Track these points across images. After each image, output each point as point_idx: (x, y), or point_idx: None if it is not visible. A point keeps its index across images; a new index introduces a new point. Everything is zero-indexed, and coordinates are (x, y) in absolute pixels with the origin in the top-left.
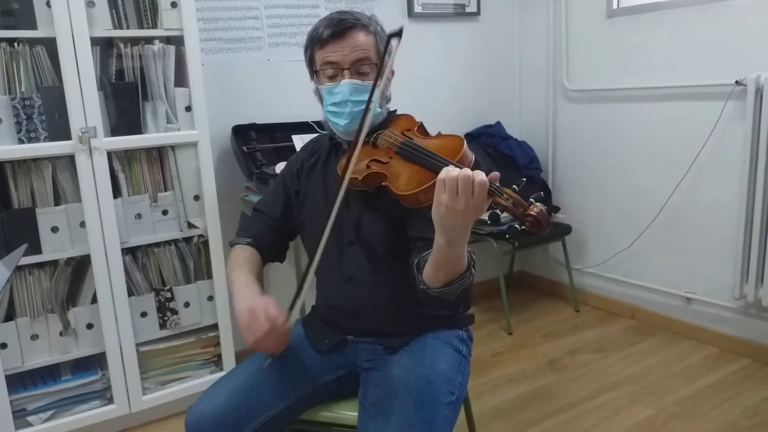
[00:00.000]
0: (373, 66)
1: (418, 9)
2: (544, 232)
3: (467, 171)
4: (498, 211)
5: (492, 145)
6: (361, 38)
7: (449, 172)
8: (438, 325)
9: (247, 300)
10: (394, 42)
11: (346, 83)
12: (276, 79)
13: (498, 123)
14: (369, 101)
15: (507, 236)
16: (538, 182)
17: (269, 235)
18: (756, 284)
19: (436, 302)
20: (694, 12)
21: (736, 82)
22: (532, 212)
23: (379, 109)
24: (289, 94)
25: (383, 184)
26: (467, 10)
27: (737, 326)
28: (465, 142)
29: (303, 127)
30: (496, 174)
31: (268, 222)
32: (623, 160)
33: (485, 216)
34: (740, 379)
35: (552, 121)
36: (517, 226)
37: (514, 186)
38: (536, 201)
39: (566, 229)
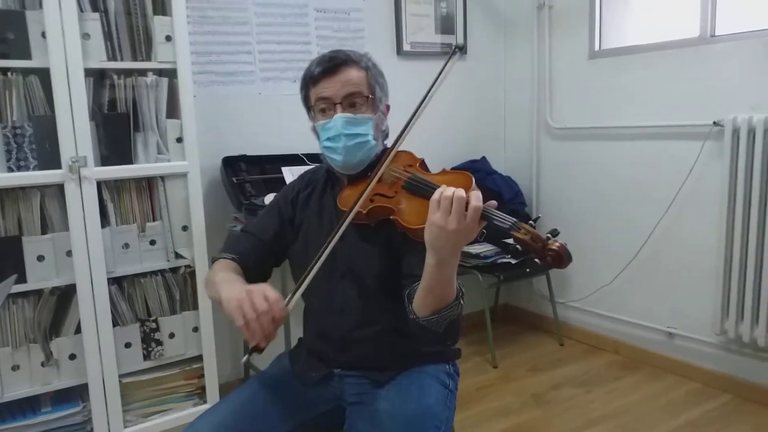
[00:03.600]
0: (365, 99)
1: (406, 47)
2: (564, 266)
3: (461, 191)
4: (518, 246)
5: (478, 179)
6: (353, 73)
7: (444, 191)
8: (426, 360)
9: (242, 286)
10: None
11: (339, 117)
12: (267, 112)
13: (483, 158)
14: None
15: (528, 270)
16: (522, 216)
17: (255, 256)
18: (736, 320)
19: (424, 333)
20: (673, 55)
21: (714, 122)
22: (553, 247)
23: (374, 142)
24: (280, 127)
25: (391, 218)
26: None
27: (719, 362)
28: (474, 179)
29: (293, 159)
30: (493, 202)
31: (256, 244)
32: (606, 196)
33: (506, 256)
34: (722, 414)
35: (536, 157)
36: (537, 261)
37: (531, 221)
38: (553, 236)
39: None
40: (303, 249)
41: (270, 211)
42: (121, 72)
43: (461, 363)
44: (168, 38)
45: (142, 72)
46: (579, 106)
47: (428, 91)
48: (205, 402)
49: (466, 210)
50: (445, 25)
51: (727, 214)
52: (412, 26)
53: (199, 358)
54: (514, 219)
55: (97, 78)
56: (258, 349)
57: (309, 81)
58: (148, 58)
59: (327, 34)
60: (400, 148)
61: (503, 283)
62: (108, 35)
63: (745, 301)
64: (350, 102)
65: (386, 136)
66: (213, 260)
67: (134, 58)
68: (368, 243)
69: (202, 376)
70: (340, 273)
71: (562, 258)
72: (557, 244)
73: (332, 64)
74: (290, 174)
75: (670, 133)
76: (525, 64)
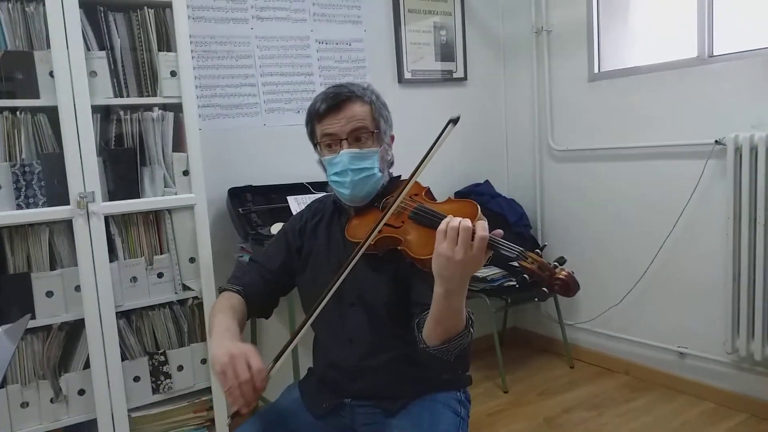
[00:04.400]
0: (370, 134)
1: (407, 75)
2: (572, 294)
3: (468, 222)
4: (525, 276)
5: (482, 203)
6: (357, 109)
7: (450, 222)
8: (437, 387)
9: (228, 345)
10: (450, 127)
11: (345, 153)
12: (271, 142)
13: (486, 181)
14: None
15: (536, 299)
16: (527, 239)
17: (261, 285)
18: (747, 338)
19: (435, 362)
20: (672, 75)
21: (716, 141)
22: (560, 276)
23: (379, 174)
24: (285, 157)
25: (399, 248)
26: (455, 75)
27: (732, 381)
28: (479, 208)
29: (298, 189)
30: (499, 231)
31: (263, 273)
32: (611, 217)
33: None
34: None
35: (539, 180)
36: (545, 289)
37: (537, 250)
38: (560, 264)
39: None
40: (311, 279)
41: (278, 240)
42: (127, 108)
43: (471, 389)
44: (173, 73)
45: (148, 107)
46: (580, 128)
47: (424, 158)
48: None
49: (473, 240)
50: (445, 53)
51: (732, 231)
52: (412, 55)
53: (207, 390)
54: (521, 248)
55: (104, 114)
56: (239, 414)
57: (314, 117)
58: (154, 94)
59: (329, 64)
60: (405, 178)
61: (511, 306)
62: (114, 72)
63: (755, 318)
64: (356, 137)
65: (391, 164)
66: (219, 290)
67: (140, 94)
68: (377, 272)
69: (212, 408)
70: (349, 302)
71: (570, 287)
72: (564, 273)
73: (336, 100)
74: (296, 203)
75: (672, 153)
76: (525, 88)
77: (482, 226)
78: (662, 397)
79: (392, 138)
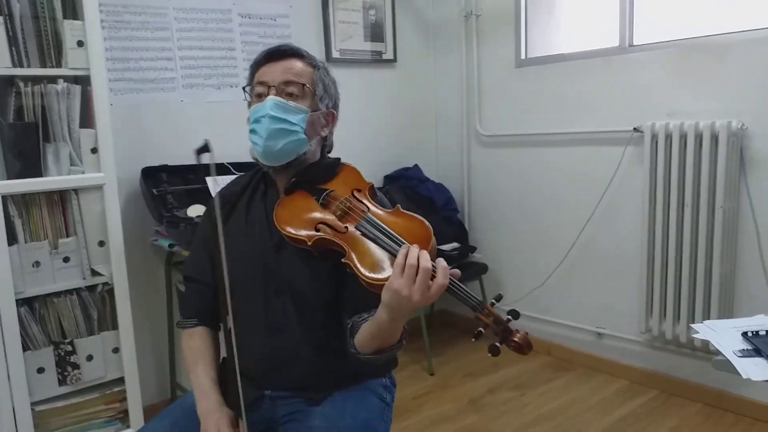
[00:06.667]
0: (303, 91)
1: (336, 55)
2: (526, 353)
3: (428, 262)
4: (481, 329)
5: (410, 186)
6: (297, 64)
7: (409, 258)
8: (362, 377)
9: (207, 407)
10: (205, 155)
11: (270, 99)
12: (190, 120)
13: (416, 165)
14: None
15: (489, 353)
16: (454, 223)
17: (209, 303)
18: (660, 318)
19: (363, 366)
20: (596, 63)
21: (634, 129)
22: (515, 339)
23: (303, 136)
24: (204, 136)
25: (342, 260)
26: (384, 57)
27: (645, 359)
28: (432, 231)
29: (218, 169)
30: (457, 272)
31: (204, 291)
32: (534, 201)
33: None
34: (650, 410)
35: (467, 164)
36: (497, 344)
37: (493, 300)
38: (515, 318)
39: (483, 269)
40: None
41: (197, 246)
42: (28, 79)
43: (397, 372)
44: (80, 43)
45: (52, 79)
46: (507, 113)
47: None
48: (128, 426)
49: (431, 280)
50: (375, 33)
51: (648, 215)
52: (340, 33)
53: (120, 381)
54: (479, 299)
55: (2, 86)
56: None
57: (253, 66)
58: (59, 65)
59: (253, 39)
60: (345, 161)
61: None
62: (13, 40)
63: (667, 299)
64: (287, 91)
65: (329, 148)
66: (178, 326)
67: (43, 65)
68: (309, 261)
69: (125, 399)
70: (275, 288)
71: (524, 349)
72: (519, 335)
73: (279, 51)
74: (215, 184)
75: (593, 139)
76: (454, 72)
77: (443, 271)
78: (581, 376)
79: (332, 116)
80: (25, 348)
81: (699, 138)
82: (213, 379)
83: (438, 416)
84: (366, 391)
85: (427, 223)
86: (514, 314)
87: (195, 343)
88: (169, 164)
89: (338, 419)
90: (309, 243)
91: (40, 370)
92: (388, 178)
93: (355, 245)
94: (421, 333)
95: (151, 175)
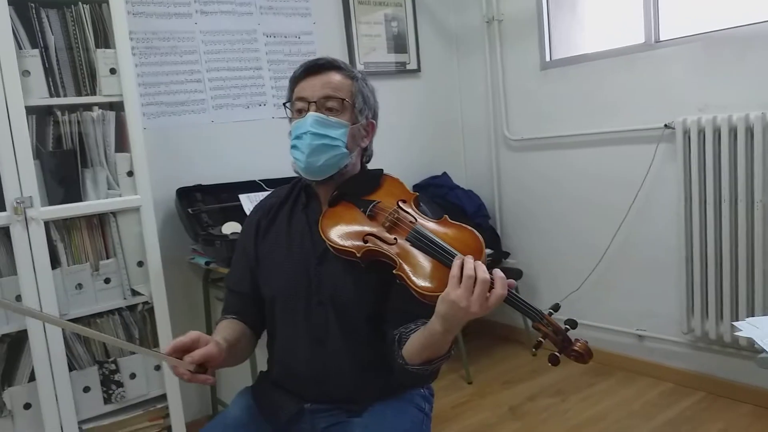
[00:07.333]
0: (343, 105)
1: (360, 68)
2: (587, 362)
3: (485, 274)
4: (541, 339)
5: (440, 195)
6: (335, 77)
7: (466, 269)
8: (402, 389)
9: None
10: None
11: (310, 115)
12: (220, 140)
13: (444, 173)
14: None
15: (549, 363)
16: (486, 229)
17: (251, 309)
18: (702, 317)
19: (409, 377)
20: (621, 62)
21: (665, 125)
22: (576, 348)
23: (345, 150)
24: (235, 155)
25: (394, 272)
26: (408, 67)
27: (689, 360)
28: (482, 239)
29: (250, 186)
30: (513, 282)
31: (244, 300)
32: (567, 203)
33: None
34: (696, 412)
35: (496, 170)
36: (557, 354)
37: (550, 309)
38: (572, 327)
39: (517, 274)
40: (267, 279)
41: (238, 258)
42: (65, 108)
43: (435, 382)
44: (113, 71)
45: (88, 107)
46: (534, 116)
47: None
48: None
49: (489, 292)
50: (398, 44)
51: (684, 212)
52: (364, 47)
53: (163, 398)
54: (539, 309)
55: (41, 115)
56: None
57: (292, 81)
58: (93, 93)
59: (279, 58)
60: (387, 172)
61: None
62: (49, 71)
63: (708, 298)
64: (327, 106)
65: (368, 157)
66: (216, 323)
67: (78, 93)
68: (353, 271)
69: (168, 415)
70: (317, 300)
71: (584, 358)
72: (579, 344)
73: (317, 65)
74: (248, 201)
75: (624, 138)
76: (479, 78)
77: (501, 282)
78: (623, 380)
79: (372, 126)
80: (71, 368)
81: (733, 131)
82: (226, 339)
83: (478, 425)
84: (405, 402)
85: (477, 233)
86: (572, 323)
87: (228, 323)
88: (203, 184)
89: (379, 431)
90: (358, 254)
91: (86, 389)
92: (417, 187)
93: (407, 257)
94: (457, 342)
95: (185, 195)
